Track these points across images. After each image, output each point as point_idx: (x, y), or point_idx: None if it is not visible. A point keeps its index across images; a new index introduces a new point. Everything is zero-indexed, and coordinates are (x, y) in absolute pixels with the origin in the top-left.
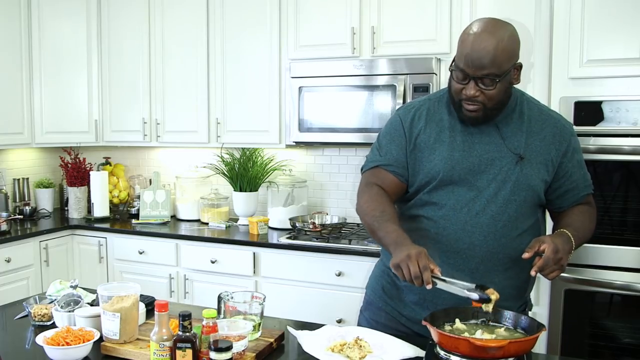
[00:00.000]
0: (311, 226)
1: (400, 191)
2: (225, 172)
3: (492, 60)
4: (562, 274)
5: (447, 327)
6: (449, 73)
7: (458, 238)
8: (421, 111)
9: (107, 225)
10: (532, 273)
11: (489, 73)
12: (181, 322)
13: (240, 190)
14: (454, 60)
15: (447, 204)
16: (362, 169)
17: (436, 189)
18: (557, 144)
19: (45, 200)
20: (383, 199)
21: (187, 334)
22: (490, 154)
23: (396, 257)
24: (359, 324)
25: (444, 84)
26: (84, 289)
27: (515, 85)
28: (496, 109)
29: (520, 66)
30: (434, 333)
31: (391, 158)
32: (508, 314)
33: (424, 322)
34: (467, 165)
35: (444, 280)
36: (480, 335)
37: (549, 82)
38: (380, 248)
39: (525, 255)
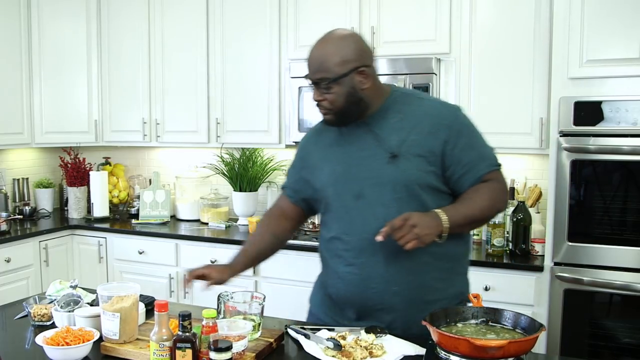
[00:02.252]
0: (311, 226)
1: (300, 214)
2: (225, 172)
3: (320, 64)
4: (561, 274)
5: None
6: (447, 73)
7: (362, 248)
8: (314, 132)
9: (107, 225)
10: (378, 238)
11: (321, 77)
12: (181, 322)
13: (240, 190)
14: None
15: (343, 218)
16: (500, 165)
17: (330, 205)
18: (435, 134)
19: (45, 200)
20: (266, 226)
21: (187, 334)
22: (367, 160)
23: None
24: None
25: (443, 84)
26: (83, 289)
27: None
28: (344, 112)
29: (364, 71)
30: (433, 333)
31: (290, 183)
32: (508, 314)
33: (424, 322)
34: (349, 176)
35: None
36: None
37: (549, 82)
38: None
39: (378, 237)
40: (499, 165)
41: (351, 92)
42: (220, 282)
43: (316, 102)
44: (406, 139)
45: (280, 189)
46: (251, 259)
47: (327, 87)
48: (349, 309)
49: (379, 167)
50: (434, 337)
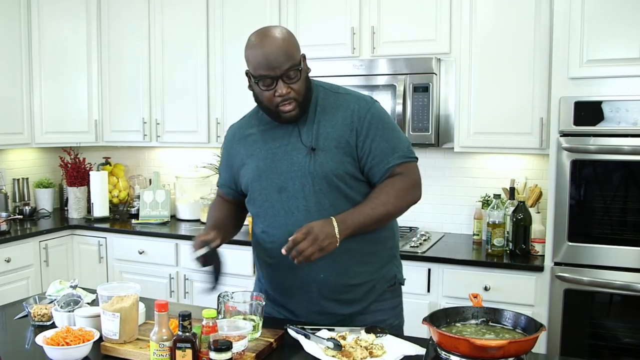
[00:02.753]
0: None
1: (238, 208)
2: None
3: (285, 54)
4: (561, 274)
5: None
6: (447, 73)
7: (286, 240)
8: (234, 131)
9: (107, 225)
10: (282, 251)
11: (290, 66)
12: (181, 322)
13: None
14: (250, 76)
15: (268, 212)
16: (415, 157)
17: (255, 201)
18: (349, 125)
19: (45, 200)
20: (218, 207)
21: (187, 334)
22: (289, 154)
23: None
24: None
25: (443, 84)
26: (83, 289)
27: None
28: (306, 100)
29: (304, 56)
30: (433, 333)
31: (224, 180)
32: (508, 314)
33: (424, 323)
34: (272, 171)
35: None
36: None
37: (549, 82)
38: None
39: (282, 250)
40: (412, 157)
41: (307, 79)
42: (222, 242)
43: (280, 100)
44: (323, 132)
45: (217, 186)
46: (221, 223)
47: (294, 76)
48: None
49: (299, 160)
50: (434, 337)
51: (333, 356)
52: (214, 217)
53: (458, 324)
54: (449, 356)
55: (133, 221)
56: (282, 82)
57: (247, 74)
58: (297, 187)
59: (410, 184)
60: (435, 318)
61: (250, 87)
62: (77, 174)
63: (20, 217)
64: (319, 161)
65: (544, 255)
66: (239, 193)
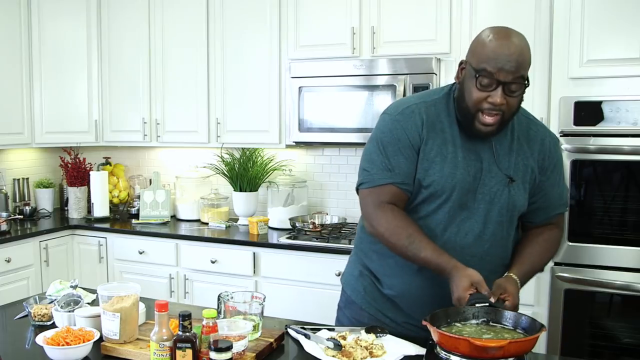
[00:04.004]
0: (311, 226)
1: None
2: (225, 172)
3: (523, 62)
4: (561, 274)
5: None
6: (447, 73)
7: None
8: (420, 115)
9: (107, 225)
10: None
11: (518, 77)
12: (181, 322)
13: (240, 190)
14: (469, 67)
15: (438, 224)
16: (362, 184)
17: (430, 204)
18: (540, 162)
19: (45, 200)
20: (404, 221)
21: (187, 334)
22: (484, 174)
23: (459, 287)
24: (338, 321)
25: (443, 84)
26: (84, 289)
27: None
28: (509, 120)
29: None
30: (434, 333)
31: (403, 174)
32: (508, 314)
33: (424, 322)
34: (465, 184)
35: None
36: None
37: (549, 82)
38: (353, 246)
39: (492, 300)
40: (567, 207)
41: (522, 100)
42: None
43: (487, 107)
44: (517, 162)
45: (389, 183)
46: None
47: (516, 89)
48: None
49: (492, 185)
50: (434, 337)
51: (333, 356)
52: (432, 246)
53: (458, 324)
54: (449, 356)
55: (133, 221)
56: (501, 90)
57: (462, 63)
58: (480, 210)
59: (561, 239)
60: (436, 318)
61: (458, 77)
62: (77, 174)
63: (21, 217)
64: (512, 193)
65: None
66: (411, 192)
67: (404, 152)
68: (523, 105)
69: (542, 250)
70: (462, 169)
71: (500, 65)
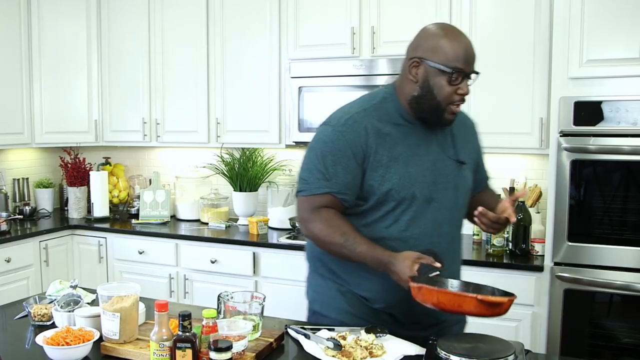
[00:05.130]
0: None
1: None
2: (225, 172)
3: (474, 54)
4: (561, 274)
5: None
6: (421, 73)
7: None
8: (364, 125)
9: (107, 225)
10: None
11: (474, 67)
12: (181, 322)
13: (240, 190)
14: (441, 65)
15: (414, 222)
16: (300, 192)
17: (397, 208)
18: (475, 142)
19: (45, 200)
20: (338, 221)
21: (187, 334)
22: (438, 164)
23: (404, 268)
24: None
25: None
26: (83, 289)
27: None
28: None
29: None
30: (431, 295)
31: (340, 184)
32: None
33: (412, 284)
34: (424, 178)
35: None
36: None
37: (549, 82)
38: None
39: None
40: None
41: None
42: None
43: (457, 99)
44: (460, 146)
45: (327, 193)
46: None
47: (472, 78)
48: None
49: (448, 172)
50: (432, 300)
51: (333, 356)
52: (367, 242)
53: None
54: (449, 356)
55: (133, 221)
56: (466, 80)
57: (416, 62)
58: (446, 198)
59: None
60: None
61: (415, 77)
62: (77, 174)
63: (21, 217)
64: (464, 175)
65: (543, 255)
66: (349, 202)
67: (343, 163)
68: (523, 104)
69: (494, 195)
70: (416, 165)
71: (468, 60)
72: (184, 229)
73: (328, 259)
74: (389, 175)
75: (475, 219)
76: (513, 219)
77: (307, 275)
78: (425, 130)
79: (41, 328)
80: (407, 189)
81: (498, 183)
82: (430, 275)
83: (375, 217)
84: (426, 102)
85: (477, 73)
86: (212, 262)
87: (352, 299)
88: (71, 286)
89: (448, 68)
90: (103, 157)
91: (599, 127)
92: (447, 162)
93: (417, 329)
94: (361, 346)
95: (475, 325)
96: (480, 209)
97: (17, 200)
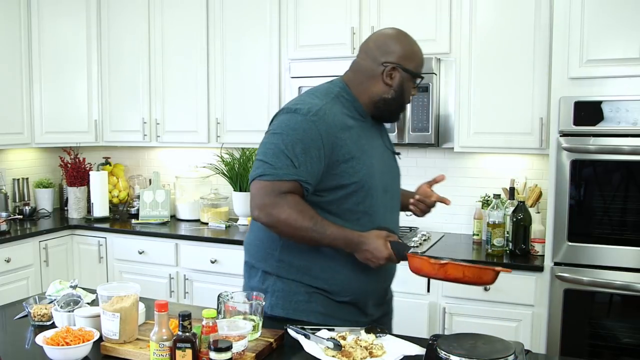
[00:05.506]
0: None
1: None
2: (225, 172)
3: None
4: (561, 274)
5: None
6: (447, 73)
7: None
8: (333, 117)
9: (106, 225)
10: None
11: None
12: (181, 322)
13: (240, 190)
14: (411, 71)
15: (376, 211)
16: (263, 175)
17: (360, 200)
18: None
19: (45, 200)
20: (306, 206)
21: (187, 334)
22: (384, 155)
23: (379, 247)
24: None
25: (443, 84)
26: (83, 289)
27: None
28: None
29: None
30: (457, 267)
31: (307, 172)
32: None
33: (410, 254)
34: (382, 168)
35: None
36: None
37: (549, 82)
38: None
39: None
40: None
41: None
42: None
43: (410, 100)
44: (385, 137)
45: (294, 180)
46: None
47: None
48: (368, 301)
49: (392, 163)
50: (457, 273)
51: (333, 356)
52: (335, 225)
53: None
54: (449, 356)
55: (133, 221)
56: (416, 84)
57: (393, 67)
58: (394, 187)
59: None
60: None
61: (390, 80)
62: (77, 174)
63: (20, 217)
64: (398, 165)
65: (543, 255)
66: (309, 190)
67: (313, 153)
68: (523, 104)
69: None
70: (374, 157)
71: (421, 65)
72: (184, 229)
73: (298, 257)
74: (359, 167)
75: (412, 207)
76: (448, 202)
77: (256, 279)
78: (372, 124)
79: (41, 328)
80: (372, 179)
81: (498, 183)
82: (406, 252)
83: (342, 207)
84: (395, 103)
85: (422, 78)
86: (212, 262)
87: (319, 297)
88: (71, 286)
89: (418, 74)
90: (103, 157)
91: (599, 127)
92: (389, 154)
93: (371, 312)
94: (361, 346)
95: (475, 325)
96: (417, 197)
97: (17, 200)
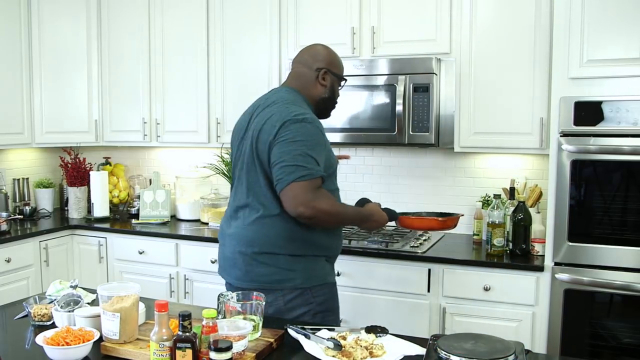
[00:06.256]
0: None
1: None
2: (225, 172)
3: None
4: (563, 274)
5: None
6: (447, 73)
7: None
8: (319, 121)
9: (107, 225)
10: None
11: None
12: (181, 322)
13: None
14: (339, 75)
15: (338, 186)
16: (302, 177)
17: (334, 179)
18: None
19: (45, 200)
20: (332, 196)
21: (187, 334)
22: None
23: (378, 221)
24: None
25: (444, 84)
26: (83, 289)
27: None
28: None
29: None
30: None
31: (323, 167)
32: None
33: (402, 217)
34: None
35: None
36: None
37: (549, 82)
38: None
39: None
40: None
41: None
42: None
43: (337, 101)
44: None
45: (319, 176)
46: None
47: None
48: None
49: None
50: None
51: (333, 356)
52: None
53: None
54: (449, 356)
55: (133, 221)
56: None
57: (325, 72)
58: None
59: None
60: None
61: (324, 82)
62: (77, 174)
63: (21, 217)
64: None
65: (544, 255)
66: None
67: (323, 152)
68: (523, 104)
69: None
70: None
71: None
72: (184, 229)
73: (317, 236)
74: (332, 155)
75: None
76: (348, 157)
77: (280, 263)
78: None
79: (41, 328)
80: (336, 164)
81: (498, 183)
82: (396, 214)
83: (328, 188)
84: (330, 102)
85: (345, 80)
86: (212, 262)
87: (326, 264)
88: (71, 286)
89: (342, 78)
90: (103, 157)
91: (599, 127)
92: None
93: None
94: (361, 346)
95: (475, 325)
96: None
97: (17, 200)
